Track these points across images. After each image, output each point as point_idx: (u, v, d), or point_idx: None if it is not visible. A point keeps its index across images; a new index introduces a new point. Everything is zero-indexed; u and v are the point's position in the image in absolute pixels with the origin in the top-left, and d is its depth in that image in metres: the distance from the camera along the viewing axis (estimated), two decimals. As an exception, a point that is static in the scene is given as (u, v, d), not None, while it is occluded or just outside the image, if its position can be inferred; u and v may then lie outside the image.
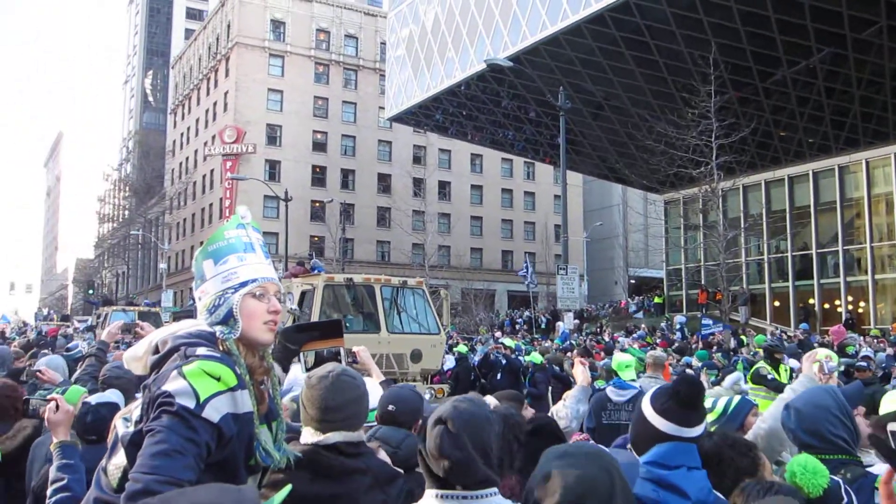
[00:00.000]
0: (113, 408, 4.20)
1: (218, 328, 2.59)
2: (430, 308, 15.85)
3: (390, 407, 3.96)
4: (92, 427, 4.03)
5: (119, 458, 2.45)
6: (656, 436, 2.88)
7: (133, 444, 2.32)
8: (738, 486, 2.80)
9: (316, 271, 16.78)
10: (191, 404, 2.31)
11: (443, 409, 2.43)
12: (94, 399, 4.26)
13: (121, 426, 2.54)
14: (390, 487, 2.90)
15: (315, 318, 13.69)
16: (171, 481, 2.16)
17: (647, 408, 2.97)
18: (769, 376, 10.58)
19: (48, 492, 3.25)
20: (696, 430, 2.94)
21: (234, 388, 2.43)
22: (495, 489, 2.39)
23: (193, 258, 2.75)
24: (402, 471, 3.04)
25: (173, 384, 2.33)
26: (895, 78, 30.94)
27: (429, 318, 15.75)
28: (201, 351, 2.46)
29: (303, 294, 14.75)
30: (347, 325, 14.52)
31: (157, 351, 2.56)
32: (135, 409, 2.54)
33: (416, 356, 14.83)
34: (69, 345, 14.07)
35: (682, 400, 2.90)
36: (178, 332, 2.57)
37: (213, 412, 2.34)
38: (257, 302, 2.66)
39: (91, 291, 61.90)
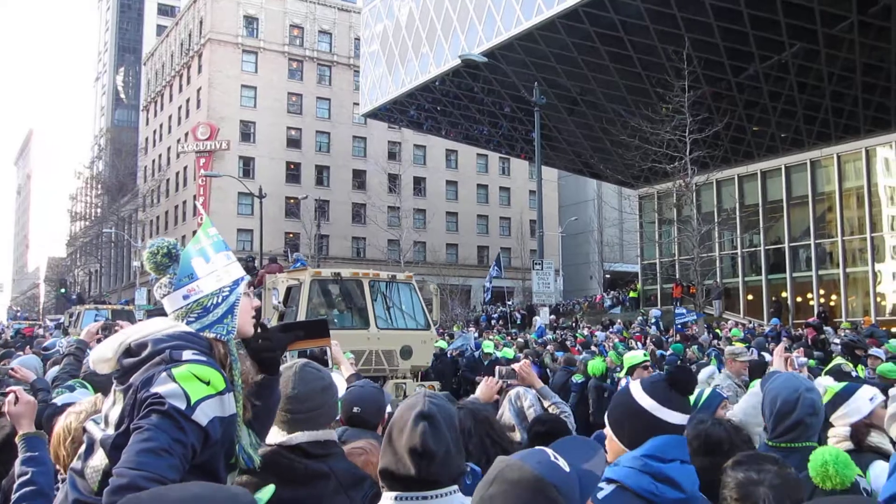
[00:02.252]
0: None
1: (216, 328, 2.59)
2: (420, 303, 15.50)
3: (355, 409, 3.92)
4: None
5: (97, 461, 2.40)
6: (657, 426, 2.85)
7: (116, 448, 2.28)
8: (731, 460, 2.80)
9: (299, 264, 16.48)
10: (182, 406, 2.29)
11: (419, 404, 2.37)
12: (59, 400, 4.18)
13: (95, 429, 2.49)
14: (355, 492, 2.84)
15: (302, 314, 13.41)
16: (157, 479, 2.13)
17: (644, 399, 2.92)
18: (852, 373, 10.25)
19: (15, 486, 3.16)
20: (685, 419, 2.94)
21: (222, 391, 2.42)
22: (456, 486, 2.36)
23: (172, 259, 2.67)
24: (369, 475, 2.95)
25: (163, 387, 2.31)
26: (866, 73, 31.24)
27: (419, 314, 15.39)
28: (187, 354, 2.43)
29: (289, 290, 14.33)
30: (335, 321, 14.31)
31: (129, 353, 2.50)
32: (108, 410, 2.49)
33: (406, 352, 14.51)
34: (46, 343, 13.95)
35: (681, 387, 2.90)
36: (156, 333, 2.51)
37: (202, 415, 2.32)
38: (246, 298, 2.70)
39: (63, 290, 61.20)
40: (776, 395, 3.76)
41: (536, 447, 2.02)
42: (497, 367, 5.24)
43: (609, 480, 2.77)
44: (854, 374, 9.99)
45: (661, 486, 2.70)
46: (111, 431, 2.39)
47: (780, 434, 3.70)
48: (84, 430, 2.54)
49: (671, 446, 2.80)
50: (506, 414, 5.46)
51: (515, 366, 5.18)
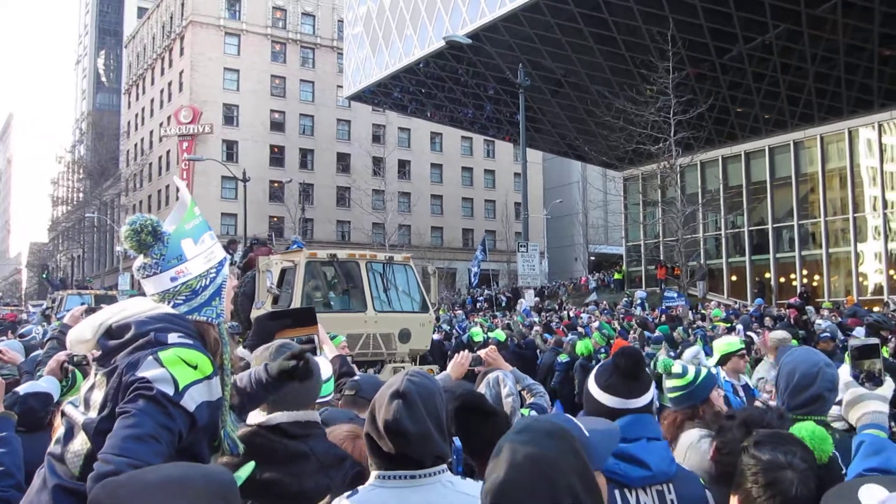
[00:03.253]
0: (44, 398, 4.05)
1: (205, 311, 2.56)
2: (418, 285, 15.14)
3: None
4: (20, 419, 3.73)
5: (77, 445, 2.35)
6: (606, 412, 2.89)
7: (101, 433, 2.24)
8: (752, 438, 2.73)
9: (295, 246, 15.98)
10: (170, 391, 2.26)
11: (397, 382, 2.37)
12: (23, 389, 4.08)
13: (74, 412, 2.43)
14: (335, 471, 2.83)
15: (298, 296, 13.16)
16: (143, 466, 2.09)
17: (592, 386, 3.00)
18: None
19: None
20: (643, 400, 2.96)
21: (210, 375, 2.40)
22: (444, 465, 2.38)
23: (157, 237, 2.58)
24: (350, 454, 2.95)
25: (150, 371, 2.27)
26: (849, 54, 31.33)
27: (417, 296, 15.02)
28: (173, 337, 2.39)
29: (283, 272, 13.89)
30: (332, 303, 14.08)
31: (110, 334, 2.45)
32: (88, 393, 2.43)
33: (405, 336, 14.18)
34: (22, 330, 13.87)
35: (624, 372, 2.94)
36: (139, 315, 2.46)
37: (189, 401, 2.30)
38: (228, 280, 2.67)
39: (46, 276, 60.82)
40: (794, 367, 3.73)
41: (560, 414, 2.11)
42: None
43: None
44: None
45: (625, 465, 2.76)
46: (93, 415, 2.34)
47: (797, 406, 3.69)
48: (63, 413, 2.48)
49: (635, 425, 2.86)
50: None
51: (481, 352, 5.11)
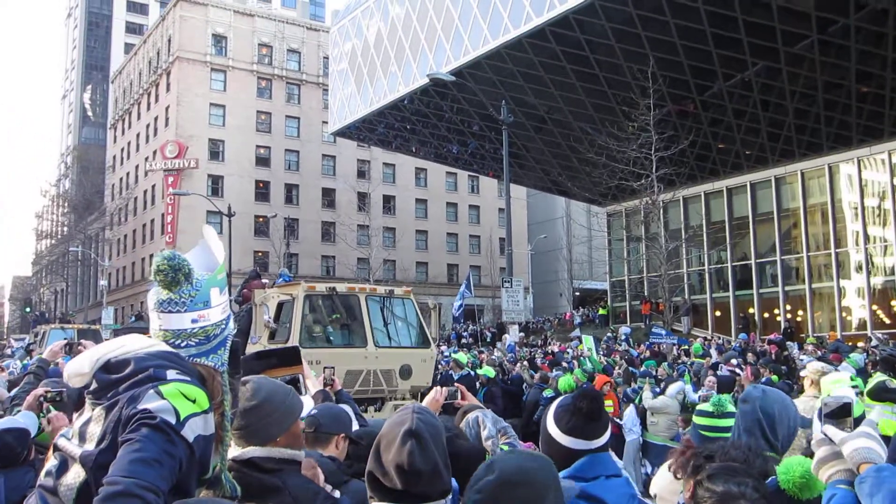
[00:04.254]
0: (21, 434, 4.05)
1: (212, 358, 2.62)
2: (420, 319, 14.64)
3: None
4: None
5: (71, 478, 2.34)
6: (566, 453, 2.92)
7: (100, 466, 2.25)
8: (705, 472, 2.76)
9: (282, 280, 15.72)
10: (172, 420, 2.29)
11: (407, 420, 2.38)
12: None
13: (68, 445, 2.43)
14: None
15: (296, 331, 12.84)
16: (150, 488, 2.13)
17: (553, 428, 3.01)
18: None
19: None
20: (603, 440, 3.00)
21: (207, 410, 2.43)
22: (446, 500, 2.38)
23: (188, 279, 2.60)
24: (323, 488, 2.95)
25: (152, 403, 2.31)
26: (827, 91, 31.72)
27: (418, 331, 14.57)
28: (171, 374, 2.43)
29: (280, 305, 13.45)
30: (331, 339, 13.73)
31: (107, 369, 2.47)
32: (82, 426, 2.44)
33: (406, 372, 13.68)
34: (2, 364, 13.76)
35: (586, 414, 2.95)
36: (138, 351, 2.49)
37: (189, 432, 2.33)
38: None
39: (28, 309, 60.44)
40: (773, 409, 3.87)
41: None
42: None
43: None
44: None
45: (584, 503, 2.76)
46: (90, 447, 2.35)
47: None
48: (56, 446, 2.48)
49: (594, 464, 2.88)
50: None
51: (459, 386, 5.11)
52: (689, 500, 2.88)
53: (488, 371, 16.22)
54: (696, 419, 6.77)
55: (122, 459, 2.20)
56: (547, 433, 3.03)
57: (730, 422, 7.49)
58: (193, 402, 2.38)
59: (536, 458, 2.04)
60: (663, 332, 28.00)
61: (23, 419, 4.23)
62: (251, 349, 12.53)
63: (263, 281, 16.40)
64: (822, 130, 34.05)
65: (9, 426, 4.07)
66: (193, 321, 2.60)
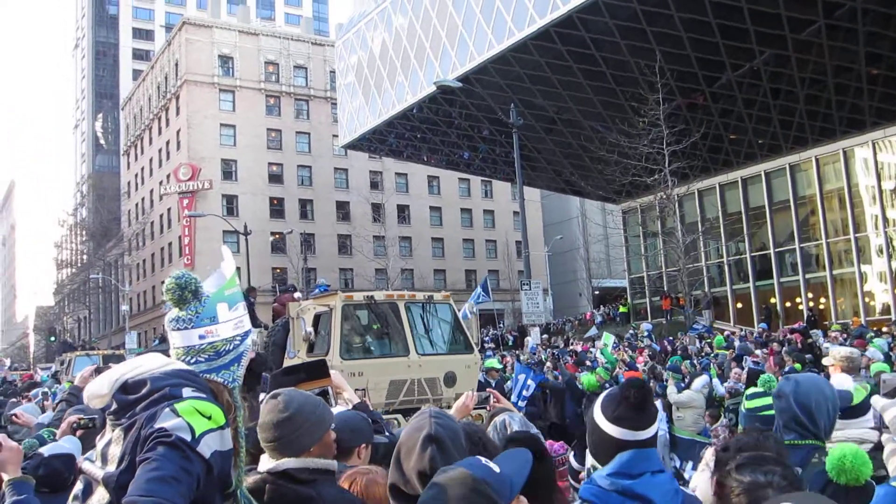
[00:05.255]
0: (67, 459, 4.10)
1: (222, 374, 2.65)
2: (461, 324, 14.13)
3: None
4: (44, 479, 3.91)
5: (96, 501, 2.39)
6: (614, 444, 2.85)
7: (121, 487, 2.28)
8: (734, 462, 2.74)
9: (319, 290, 15.37)
10: (188, 437, 2.32)
11: (425, 426, 2.37)
12: (46, 450, 4.15)
13: (91, 467, 2.47)
14: None
15: (336, 342, 12.43)
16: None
17: (599, 418, 2.92)
18: None
19: None
20: (651, 431, 2.91)
21: (223, 426, 2.46)
22: None
23: (196, 296, 2.66)
24: (358, 497, 2.95)
25: (168, 422, 2.34)
26: (837, 75, 31.52)
27: (460, 337, 14.01)
28: (187, 392, 2.46)
29: (317, 317, 12.94)
30: (372, 349, 13.44)
31: (125, 389, 2.50)
32: (105, 448, 2.46)
33: (450, 379, 13.09)
34: (31, 393, 13.88)
35: (634, 404, 2.87)
36: (153, 371, 2.52)
37: (205, 448, 2.35)
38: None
39: (53, 339, 60.84)
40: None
41: (470, 456, 2.20)
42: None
43: (583, 500, 2.77)
44: None
45: (630, 502, 2.71)
46: (111, 468, 2.38)
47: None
48: (81, 470, 2.52)
49: (637, 460, 2.80)
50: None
51: (491, 390, 5.09)
52: (716, 495, 2.86)
53: (589, 381, 15.86)
54: (747, 404, 6.71)
55: (139, 479, 2.22)
56: (593, 423, 2.94)
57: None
58: (209, 418, 2.41)
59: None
60: (701, 326, 27.97)
61: (68, 444, 4.30)
62: (289, 364, 12.08)
63: (296, 295, 16.24)
64: (835, 115, 33.83)
65: (56, 452, 4.14)
66: (201, 337, 2.64)
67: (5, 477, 3.34)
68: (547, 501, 2.83)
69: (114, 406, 2.50)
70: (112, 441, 2.45)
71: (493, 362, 16.57)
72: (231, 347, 2.68)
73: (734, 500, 2.62)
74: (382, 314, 13.40)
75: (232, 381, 2.67)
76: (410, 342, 12.99)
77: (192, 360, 2.63)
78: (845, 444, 3.26)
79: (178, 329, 2.65)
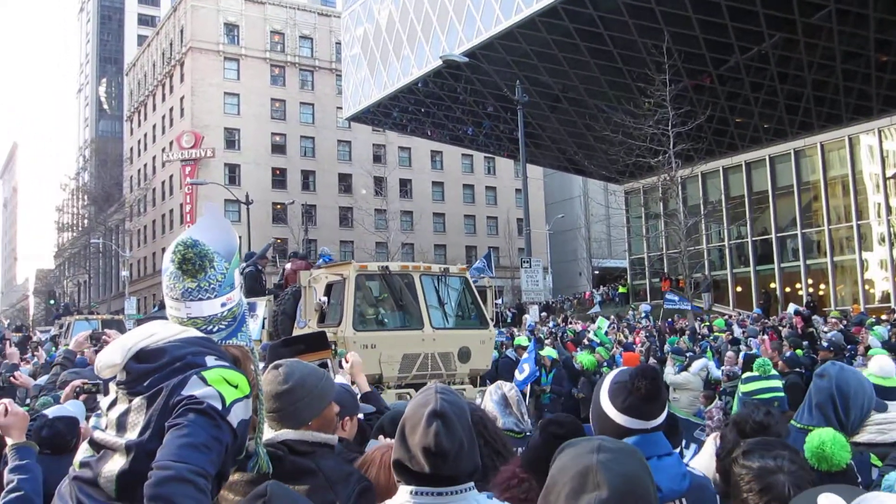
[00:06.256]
0: (71, 422, 4.16)
1: (240, 337, 2.67)
2: (477, 298, 13.78)
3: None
4: (47, 441, 3.98)
5: (112, 467, 2.36)
6: (621, 432, 2.82)
7: (150, 454, 2.26)
8: (740, 448, 2.74)
9: (323, 260, 15.02)
10: (218, 406, 2.33)
11: (430, 401, 2.35)
12: (51, 412, 4.21)
13: (108, 436, 2.43)
14: (341, 487, 2.80)
15: (349, 312, 12.16)
16: (201, 473, 2.18)
17: (607, 405, 2.90)
18: None
19: (3, 493, 3.25)
20: (659, 420, 2.90)
21: (248, 395, 2.47)
22: (472, 483, 2.36)
23: (212, 265, 2.61)
24: (357, 469, 2.94)
25: (198, 389, 2.34)
26: (846, 61, 31.32)
27: (475, 311, 13.75)
28: (210, 360, 2.46)
29: (329, 286, 12.64)
30: (385, 321, 13.13)
31: (138, 357, 2.48)
32: (124, 416, 2.43)
33: (465, 355, 12.90)
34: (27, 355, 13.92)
35: (645, 395, 2.84)
36: (170, 338, 2.50)
37: (234, 417, 2.37)
38: None
39: (52, 301, 60.94)
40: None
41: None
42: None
43: None
44: None
45: None
46: (132, 436, 2.36)
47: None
48: (93, 440, 2.49)
49: (644, 445, 2.77)
50: (488, 405, 5.34)
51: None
52: (724, 482, 2.85)
53: (551, 352, 15.64)
54: (742, 388, 6.70)
55: (170, 444, 2.22)
56: (600, 410, 2.92)
57: (777, 382, 7.40)
58: (236, 387, 2.41)
59: (637, 457, 1.89)
60: (676, 297, 27.88)
61: (71, 407, 4.36)
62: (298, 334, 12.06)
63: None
64: (842, 101, 33.64)
65: (59, 414, 4.19)
66: (223, 305, 2.63)
67: (9, 441, 3.38)
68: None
69: (125, 375, 2.48)
70: (131, 410, 2.42)
71: (522, 339, 16.30)
72: (241, 310, 2.69)
73: (744, 486, 2.61)
74: (396, 286, 13.11)
75: (249, 340, 2.69)
76: (425, 315, 12.73)
77: (214, 329, 2.61)
78: (824, 430, 3.26)
79: (199, 300, 2.60)
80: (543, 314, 34.86)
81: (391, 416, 3.84)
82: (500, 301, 46.65)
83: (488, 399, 5.27)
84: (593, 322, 32.30)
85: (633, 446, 1.99)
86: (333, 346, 7.86)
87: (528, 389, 13.06)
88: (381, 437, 3.57)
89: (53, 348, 19.03)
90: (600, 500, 1.71)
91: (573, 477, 1.78)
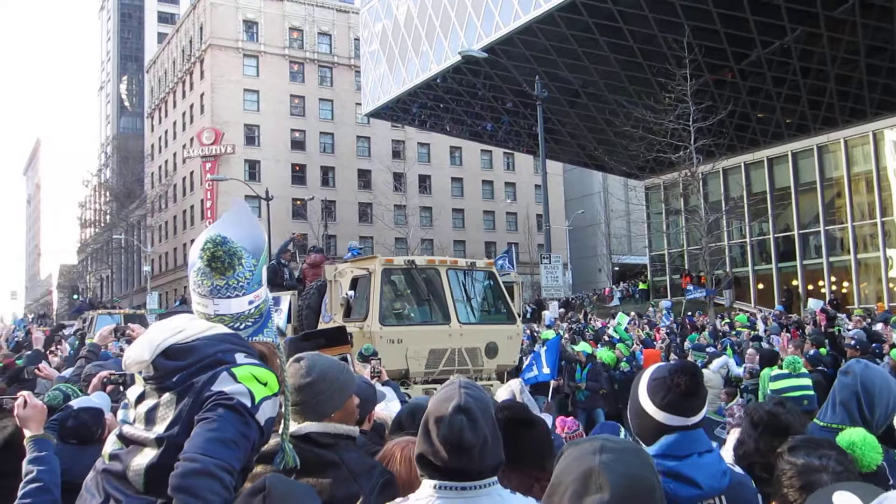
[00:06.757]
0: (96, 413, 4.19)
1: (267, 333, 2.69)
2: (504, 293, 13.60)
3: None
4: (73, 431, 4.03)
5: (141, 460, 2.38)
6: (660, 429, 2.82)
7: (179, 448, 2.28)
8: (786, 444, 2.75)
9: (351, 254, 14.99)
10: (248, 403, 2.36)
11: (454, 396, 2.35)
12: (76, 403, 4.25)
13: (132, 430, 2.46)
14: (364, 479, 2.82)
15: (375, 306, 12.04)
16: (228, 468, 2.20)
17: (646, 402, 2.87)
18: None
19: (21, 484, 3.29)
20: (699, 416, 2.88)
21: (276, 393, 2.49)
22: (495, 478, 2.37)
23: (241, 263, 2.60)
24: (379, 462, 2.97)
25: (228, 386, 2.36)
26: (870, 55, 30.96)
27: (503, 306, 13.57)
28: (240, 357, 2.47)
29: (354, 280, 12.46)
30: (411, 315, 13.09)
31: (167, 354, 2.48)
32: (152, 411, 2.44)
33: (492, 350, 12.68)
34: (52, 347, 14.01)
35: (685, 392, 2.81)
36: (199, 335, 2.52)
37: (262, 415, 2.39)
38: None
39: (76, 296, 61.62)
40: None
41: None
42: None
43: None
44: None
45: (675, 484, 2.69)
46: (160, 430, 2.38)
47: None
48: (122, 434, 2.51)
49: (684, 442, 2.78)
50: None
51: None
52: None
53: (586, 347, 15.19)
54: (772, 385, 6.60)
55: (198, 437, 2.25)
56: (639, 406, 2.89)
57: (807, 380, 7.29)
58: (265, 385, 2.43)
59: (642, 457, 1.86)
60: (691, 286, 27.80)
61: (97, 399, 4.42)
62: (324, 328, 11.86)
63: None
64: (866, 96, 33.26)
65: (85, 405, 4.22)
66: (250, 303, 2.64)
67: (27, 433, 3.42)
68: (538, 468, 2.85)
69: (153, 371, 2.48)
70: (161, 404, 2.44)
71: (550, 334, 16.05)
72: (267, 306, 2.71)
73: (785, 482, 2.63)
74: (423, 280, 13.01)
75: (275, 336, 2.71)
76: (451, 310, 12.60)
77: (242, 326, 2.62)
78: (854, 430, 3.22)
79: (228, 297, 2.60)
80: (562, 310, 34.76)
81: (409, 410, 3.87)
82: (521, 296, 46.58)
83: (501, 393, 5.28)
84: (613, 318, 32.22)
85: (638, 446, 1.96)
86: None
87: (555, 384, 12.90)
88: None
89: (77, 342, 19.19)
90: (602, 502, 1.69)
91: (576, 479, 1.75)
